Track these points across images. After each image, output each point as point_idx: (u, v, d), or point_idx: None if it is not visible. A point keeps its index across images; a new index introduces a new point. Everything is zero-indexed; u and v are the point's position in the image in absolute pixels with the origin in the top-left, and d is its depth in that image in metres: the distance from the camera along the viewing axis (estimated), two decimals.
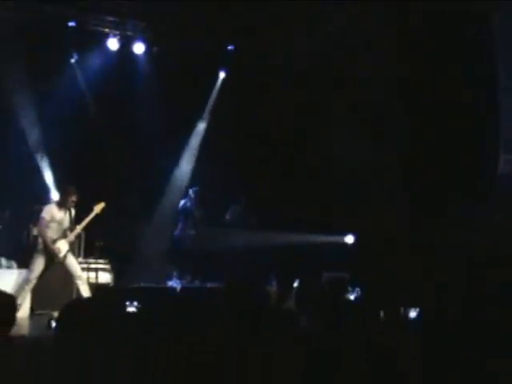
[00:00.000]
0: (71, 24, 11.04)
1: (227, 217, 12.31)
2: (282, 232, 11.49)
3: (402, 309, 5.83)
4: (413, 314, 5.85)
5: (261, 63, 12.40)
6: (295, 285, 4.77)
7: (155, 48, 11.79)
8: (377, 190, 10.66)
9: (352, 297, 4.73)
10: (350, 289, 4.71)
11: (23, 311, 9.10)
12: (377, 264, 9.91)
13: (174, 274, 11.76)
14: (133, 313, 4.37)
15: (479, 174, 9.88)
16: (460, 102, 9.86)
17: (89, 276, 9.81)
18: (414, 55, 10.15)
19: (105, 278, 10.28)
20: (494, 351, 3.32)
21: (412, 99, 10.40)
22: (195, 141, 13.06)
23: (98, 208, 9.36)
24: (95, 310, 3.12)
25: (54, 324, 3.10)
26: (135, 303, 4.60)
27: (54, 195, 10.60)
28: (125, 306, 4.15)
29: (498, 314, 3.46)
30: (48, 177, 11.27)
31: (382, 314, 4.36)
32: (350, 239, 11.74)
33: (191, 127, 12.85)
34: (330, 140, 11.53)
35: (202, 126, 13.11)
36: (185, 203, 12.03)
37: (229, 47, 12.31)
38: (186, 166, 12.93)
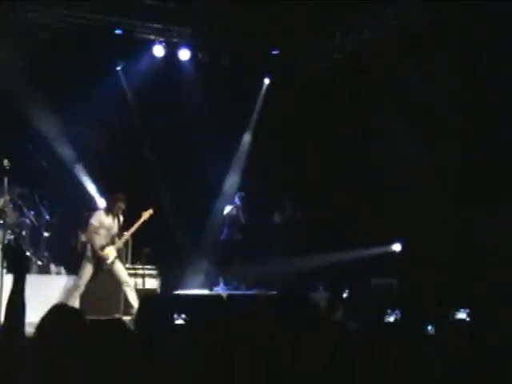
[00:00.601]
0: (118, 32, 11.13)
1: (276, 219, 12.21)
2: (330, 241, 11.40)
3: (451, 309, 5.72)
4: (462, 315, 5.72)
5: (305, 68, 12.31)
6: (345, 295, 4.70)
7: (200, 54, 11.78)
8: (425, 197, 10.50)
9: (391, 319, 4.63)
10: (389, 311, 4.60)
11: None
12: (424, 269, 9.78)
13: (221, 280, 11.76)
14: (181, 325, 4.35)
15: None
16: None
17: (136, 282, 9.87)
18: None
19: (152, 283, 10.32)
20: None
21: (466, 103, 10.22)
22: (242, 148, 13.03)
23: (147, 215, 9.44)
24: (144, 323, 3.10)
25: None
26: (183, 315, 4.57)
27: (102, 202, 10.69)
28: (172, 319, 4.12)
29: None
30: (96, 183, 11.36)
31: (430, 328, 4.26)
32: (397, 247, 11.57)
33: (237, 134, 12.81)
34: (381, 148, 11.35)
35: (248, 136, 13.07)
36: (231, 209, 12.02)
37: (273, 52, 12.21)
38: (233, 173, 12.90)
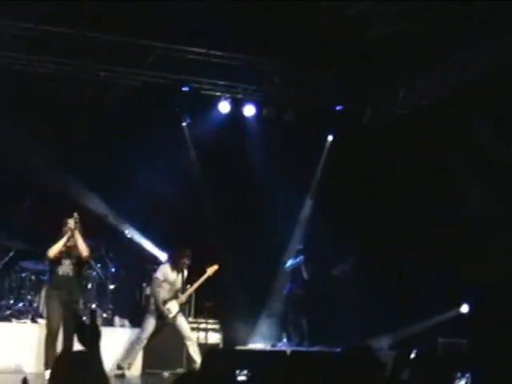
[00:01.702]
0: (185, 88, 11.40)
1: (334, 272, 12.05)
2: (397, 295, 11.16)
3: None
4: None
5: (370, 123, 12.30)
6: (412, 355, 4.53)
7: (264, 110, 11.92)
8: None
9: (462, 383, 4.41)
10: (458, 375, 4.38)
11: (135, 369, 9.23)
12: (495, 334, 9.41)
13: (284, 335, 11.61)
14: (243, 382, 4.29)
15: None
16: None
17: (198, 336, 9.84)
18: None
19: (214, 338, 10.25)
20: None
21: None
22: (306, 203, 13.00)
23: (211, 270, 9.48)
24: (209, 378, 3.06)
25: None
26: (245, 371, 4.50)
27: (164, 256, 10.80)
28: (235, 375, 4.07)
29: None
30: (160, 238, 11.46)
31: None
32: (465, 308, 11.19)
33: (300, 189, 12.76)
34: (452, 198, 11.11)
35: (311, 191, 13.04)
36: (292, 263, 11.94)
37: (337, 108, 12.25)
38: (297, 228, 12.85)
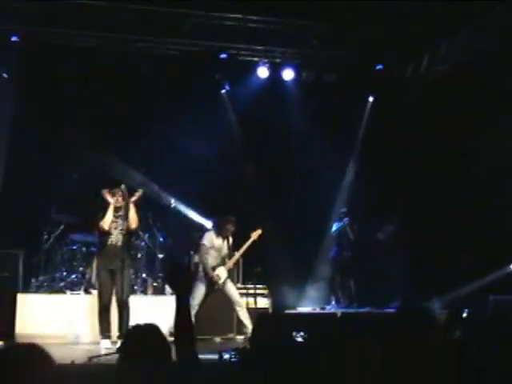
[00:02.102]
0: (223, 56, 11.36)
1: (379, 236, 12.00)
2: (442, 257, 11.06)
3: None
4: None
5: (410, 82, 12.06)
6: (464, 315, 4.51)
7: (304, 73, 11.81)
8: None
9: None
10: None
11: None
12: None
13: (332, 298, 11.67)
14: (301, 342, 4.33)
15: None
16: None
17: (248, 301, 9.92)
18: None
19: (263, 303, 10.35)
20: None
21: None
22: (349, 166, 12.91)
23: (256, 235, 9.54)
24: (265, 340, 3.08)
25: None
26: (301, 333, 4.55)
27: (209, 223, 10.89)
28: (292, 336, 4.10)
29: None
30: (204, 205, 11.55)
31: None
32: None
33: (342, 152, 12.64)
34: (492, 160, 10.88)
35: (354, 153, 12.93)
36: (338, 226, 11.94)
37: (377, 67, 12.04)
38: (340, 191, 12.80)
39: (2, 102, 10.94)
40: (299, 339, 4.50)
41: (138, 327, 2.89)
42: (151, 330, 2.90)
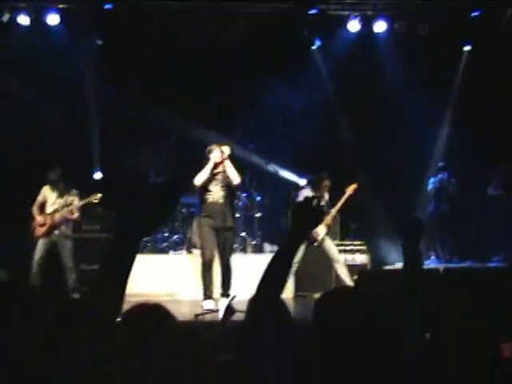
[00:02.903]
0: (312, 11, 11.22)
1: (490, 192, 11.45)
2: None
3: None
4: None
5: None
6: None
7: (396, 25, 11.50)
8: None
9: None
10: None
11: (288, 292, 9.43)
12: None
13: (431, 253, 11.51)
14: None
15: None
16: None
17: (346, 258, 9.95)
18: None
19: (361, 259, 10.34)
20: None
21: None
22: (445, 120, 12.55)
23: (351, 190, 9.48)
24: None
25: None
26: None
27: (303, 181, 10.92)
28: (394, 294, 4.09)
29: None
30: (299, 163, 11.57)
31: None
32: None
33: (437, 105, 12.24)
34: None
35: (450, 107, 12.53)
36: (435, 181, 11.69)
37: (473, 14, 11.54)
38: (436, 145, 12.49)
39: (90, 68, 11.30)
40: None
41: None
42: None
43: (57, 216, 9.22)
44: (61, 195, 9.29)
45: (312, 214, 2.98)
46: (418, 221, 3.43)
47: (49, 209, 9.31)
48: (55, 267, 9.18)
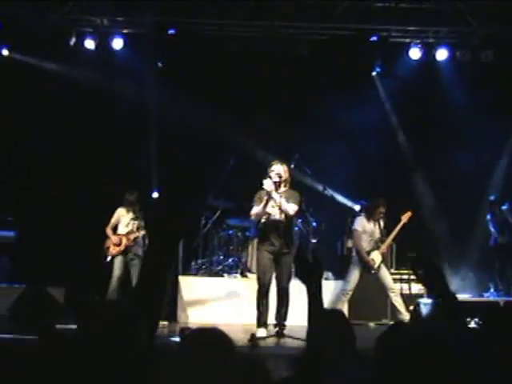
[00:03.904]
0: (373, 38, 11.23)
1: None
2: None
3: None
4: None
5: None
6: None
7: (459, 53, 11.37)
8: None
9: None
10: None
11: None
12: None
13: (491, 285, 11.24)
14: (475, 329, 4.24)
15: None
16: None
17: (402, 287, 9.80)
18: None
19: (418, 288, 10.16)
20: None
21: None
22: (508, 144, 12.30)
23: (406, 218, 9.38)
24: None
25: None
26: (476, 319, 4.45)
27: (357, 207, 10.85)
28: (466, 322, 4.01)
29: None
30: (352, 189, 11.50)
31: None
32: None
33: (502, 129, 12.00)
34: None
35: None
36: (490, 215, 11.36)
37: None
38: (498, 172, 12.24)
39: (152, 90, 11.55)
40: (473, 325, 4.40)
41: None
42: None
43: (131, 236, 9.59)
44: (136, 217, 9.65)
45: (309, 264, 3.12)
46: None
47: (123, 229, 9.68)
48: (131, 285, 9.49)
